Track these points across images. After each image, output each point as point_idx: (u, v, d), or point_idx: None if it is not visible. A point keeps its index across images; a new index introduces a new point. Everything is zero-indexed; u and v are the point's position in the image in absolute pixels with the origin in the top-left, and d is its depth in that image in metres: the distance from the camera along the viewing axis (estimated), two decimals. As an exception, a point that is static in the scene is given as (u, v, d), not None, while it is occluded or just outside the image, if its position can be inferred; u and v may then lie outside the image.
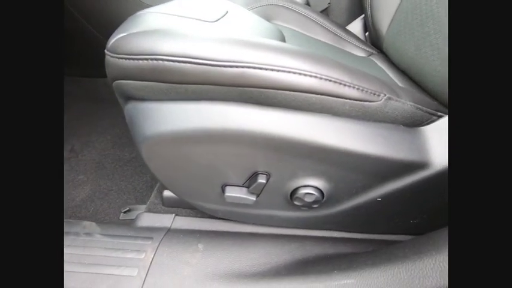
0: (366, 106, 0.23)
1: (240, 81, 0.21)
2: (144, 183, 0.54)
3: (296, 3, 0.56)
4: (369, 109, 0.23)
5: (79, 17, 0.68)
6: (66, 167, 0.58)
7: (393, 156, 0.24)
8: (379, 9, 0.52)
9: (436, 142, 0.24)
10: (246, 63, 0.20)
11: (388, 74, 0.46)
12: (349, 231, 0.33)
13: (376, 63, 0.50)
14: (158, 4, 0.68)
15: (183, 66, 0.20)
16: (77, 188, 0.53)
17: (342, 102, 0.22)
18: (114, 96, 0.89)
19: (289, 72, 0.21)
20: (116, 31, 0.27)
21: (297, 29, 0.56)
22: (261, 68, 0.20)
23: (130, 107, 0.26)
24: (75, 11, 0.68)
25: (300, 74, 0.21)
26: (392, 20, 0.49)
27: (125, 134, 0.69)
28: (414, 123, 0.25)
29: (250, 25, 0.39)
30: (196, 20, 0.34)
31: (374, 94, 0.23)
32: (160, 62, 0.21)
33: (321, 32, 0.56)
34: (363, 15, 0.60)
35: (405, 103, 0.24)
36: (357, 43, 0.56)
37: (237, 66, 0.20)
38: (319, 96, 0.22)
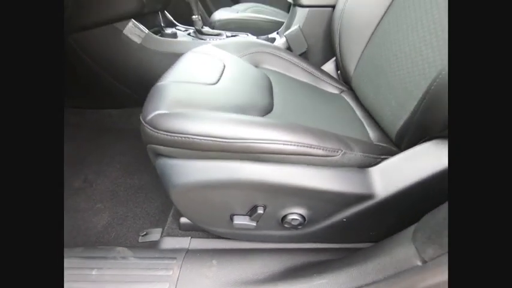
0: (329, 159, 0.34)
1: (245, 150, 0.31)
2: (155, 209, 0.62)
3: (279, 49, 0.68)
4: (331, 161, 0.34)
5: (84, 56, 0.76)
6: (83, 196, 0.66)
7: (350, 191, 0.35)
8: (346, 54, 0.63)
9: (379, 179, 0.36)
10: (249, 140, 0.31)
11: (355, 111, 0.57)
12: (326, 243, 0.44)
13: (346, 101, 0.62)
14: (156, 46, 0.80)
15: (206, 142, 0.31)
16: (96, 215, 0.61)
17: (312, 158, 0.33)
18: (118, 126, 1.01)
19: (277, 143, 0.31)
20: (149, 104, 0.36)
21: (281, 71, 0.67)
22: (259, 142, 0.31)
23: (162, 162, 0.36)
24: (81, 51, 0.75)
25: (284, 144, 0.31)
26: (356, 65, 0.61)
27: (131, 162, 0.77)
28: (364, 166, 0.36)
29: (244, 77, 0.49)
30: (203, 84, 0.44)
31: (334, 151, 0.34)
32: (190, 138, 0.31)
33: (301, 73, 0.68)
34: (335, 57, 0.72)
35: (356, 154, 0.35)
36: (331, 81, 0.68)
37: (243, 142, 0.30)
38: (297, 156, 0.32)
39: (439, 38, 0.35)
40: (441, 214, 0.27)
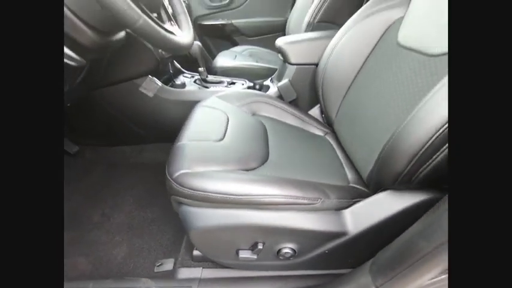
0: (311, 206, 0.45)
1: (248, 203, 0.42)
2: (167, 240, 0.71)
3: (272, 98, 0.81)
4: (313, 207, 0.45)
5: (106, 106, 0.88)
6: (102, 230, 0.74)
7: (329, 230, 0.45)
8: (328, 103, 0.76)
9: (350, 220, 0.46)
10: (251, 195, 0.42)
11: (336, 152, 0.69)
12: (314, 270, 0.54)
13: (329, 142, 0.74)
14: (168, 96, 0.93)
15: (220, 197, 0.42)
16: (116, 247, 0.69)
17: (298, 206, 0.44)
18: (130, 161, 1.13)
19: (271, 197, 0.42)
20: (174, 163, 0.47)
21: (274, 117, 0.79)
22: (258, 196, 0.42)
23: (184, 210, 0.46)
24: (102, 102, 0.87)
25: (276, 197, 0.43)
26: (337, 113, 0.73)
27: (143, 196, 0.87)
28: (339, 209, 0.47)
29: (244, 128, 0.61)
30: (213, 141, 0.55)
31: (315, 199, 0.45)
32: (208, 194, 0.42)
33: (291, 118, 0.80)
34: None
35: (333, 200, 0.46)
36: (316, 124, 0.80)
37: (246, 197, 0.42)
38: (286, 205, 0.43)
39: (394, 107, 0.49)
40: (389, 251, 0.37)
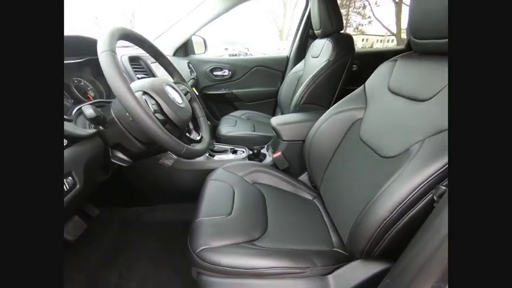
0: (301, 274, 0.58)
1: (253, 274, 0.56)
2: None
3: (268, 167, 0.99)
4: (302, 275, 0.58)
5: (128, 174, 1.04)
6: (120, 292, 0.83)
7: (317, 293, 0.58)
8: (313, 173, 0.94)
9: (333, 284, 0.60)
10: (255, 268, 0.56)
11: (323, 217, 0.84)
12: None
13: (317, 206, 0.90)
14: (182, 166, 1.11)
15: (233, 271, 0.55)
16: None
17: (290, 275, 0.58)
18: (143, 220, 1.28)
19: (269, 269, 0.56)
20: (196, 240, 0.61)
21: (271, 184, 0.96)
22: (260, 269, 0.56)
23: (203, 279, 0.59)
24: (126, 171, 1.03)
25: (273, 269, 0.57)
26: (321, 183, 0.90)
27: (156, 256, 0.97)
28: (324, 274, 0.61)
29: (248, 200, 0.77)
30: (224, 216, 0.71)
31: (304, 269, 0.59)
32: (224, 268, 0.56)
33: (284, 184, 0.97)
34: (308, 174, 1.03)
35: (318, 268, 0.60)
36: (305, 189, 0.97)
37: (252, 270, 0.56)
38: (281, 275, 0.57)
39: (360, 188, 0.66)
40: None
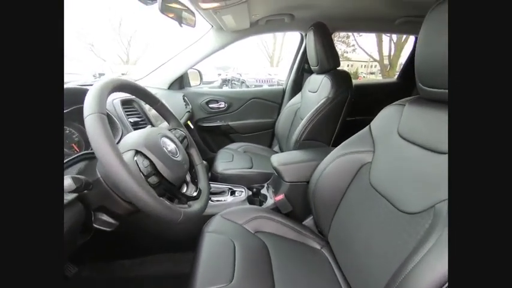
0: None
1: None
2: None
3: (271, 212, 0.90)
4: None
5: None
6: None
7: None
8: (320, 219, 0.86)
9: None
10: None
11: (333, 268, 0.75)
12: None
13: (326, 258, 0.81)
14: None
15: None
16: None
17: None
18: (130, 275, 1.11)
19: None
20: None
21: (274, 232, 0.87)
22: None
23: None
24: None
25: None
26: (329, 229, 0.82)
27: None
28: None
29: (248, 255, 0.67)
30: (222, 285, 0.60)
31: None
32: None
33: (288, 231, 0.88)
34: (313, 216, 0.95)
35: None
36: (312, 236, 0.88)
37: None
38: None
39: (378, 248, 0.58)
40: None
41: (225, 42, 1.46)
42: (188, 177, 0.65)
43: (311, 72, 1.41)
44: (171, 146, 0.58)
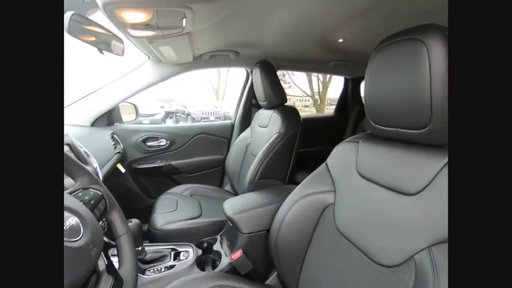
0: None
1: None
2: None
3: (229, 278, 0.72)
4: None
5: None
6: None
7: None
8: (286, 273, 0.72)
9: None
10: None
11: None
12: None
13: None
14: None
15: None
16: None
17: None
18: None
19: None
20: None
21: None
22: None
23: None
24: None
25: None
26: (299, 282, 0.69)
27: None
28: None
29: None
30: None
31: None
32: None
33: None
34: None
35: None
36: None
37: None
38: None
39: None
40: None
41: (165, 75, 1.32)
42: (102, 265, 0.43)
43: (259, 106, 1.39)
44: (71, 222, 0.37)
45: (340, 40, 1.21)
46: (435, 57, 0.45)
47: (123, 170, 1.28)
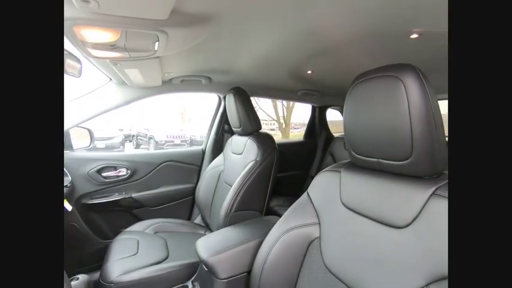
0: None
1: None
2: None
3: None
4: None
5: None
6: None
7: None
8: None
9: None
10: None
11: None
12: None
13: None
14: None
15: None
16: None
17: None
18: None
19: None
20: None
21: None
22: None
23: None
24: None
25: None
26: None
27: None
28: None
29: None
30: None
31: None
32: None
33: None
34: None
35: None
36: None
37: None
38: None
39: None
40: None
41: (129, 98, 1.20)
42: None
43: (232, 132, 1.34)
44: None
45: (309, 72, 1.28)
46: (413, 93, 0.47)
47: (69, 207, 1.07)
